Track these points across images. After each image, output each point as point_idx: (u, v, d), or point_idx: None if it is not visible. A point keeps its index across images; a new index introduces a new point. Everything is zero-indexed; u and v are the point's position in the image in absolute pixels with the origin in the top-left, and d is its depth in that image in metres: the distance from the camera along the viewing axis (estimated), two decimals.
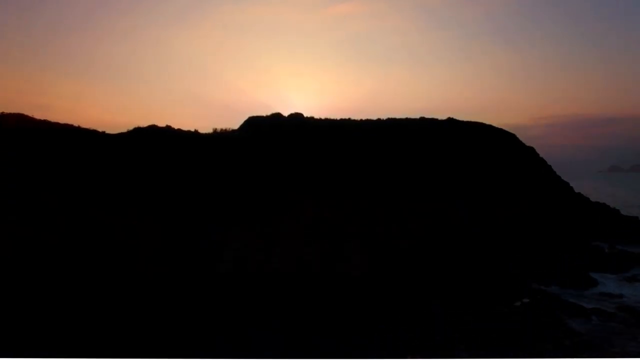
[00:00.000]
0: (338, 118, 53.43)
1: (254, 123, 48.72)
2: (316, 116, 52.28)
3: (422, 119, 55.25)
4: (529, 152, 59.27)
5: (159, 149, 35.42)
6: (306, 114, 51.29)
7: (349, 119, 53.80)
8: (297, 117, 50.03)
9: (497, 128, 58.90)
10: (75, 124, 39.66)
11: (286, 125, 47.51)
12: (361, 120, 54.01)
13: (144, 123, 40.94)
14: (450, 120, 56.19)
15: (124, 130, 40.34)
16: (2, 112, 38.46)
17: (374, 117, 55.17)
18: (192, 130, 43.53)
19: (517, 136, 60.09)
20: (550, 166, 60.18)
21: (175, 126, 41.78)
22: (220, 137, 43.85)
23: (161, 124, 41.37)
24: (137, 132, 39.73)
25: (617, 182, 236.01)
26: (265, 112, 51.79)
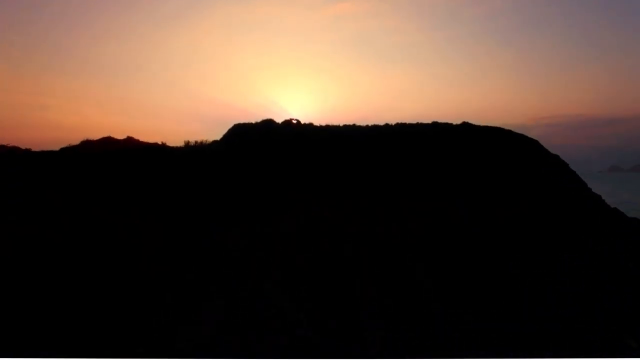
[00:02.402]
0: (341, 124, 45.93)
1: (240, 132, 42.32)
2: (315, 123, 45.34)
3: (435, 124, 52.13)
4: (552, 159, 56.43)
5: (162, 151, 35.87)
6: (304, 121, 44.54)
7: (354, 124, 49.34)
8: (292, 125, 43.80)
9: (517, 133, 55.82)
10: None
11: (279, 133, 41.93)
12: (367, 126, 50.16)
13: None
14: (464, 125, 53.58)
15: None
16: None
17: (382, 123, 51.11)
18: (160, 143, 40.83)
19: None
20: (580, 177, 56.48)
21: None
22: (199, 150, 39.11)
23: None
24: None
25: (618, 182, 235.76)
26: (254, 119, 44.26)
